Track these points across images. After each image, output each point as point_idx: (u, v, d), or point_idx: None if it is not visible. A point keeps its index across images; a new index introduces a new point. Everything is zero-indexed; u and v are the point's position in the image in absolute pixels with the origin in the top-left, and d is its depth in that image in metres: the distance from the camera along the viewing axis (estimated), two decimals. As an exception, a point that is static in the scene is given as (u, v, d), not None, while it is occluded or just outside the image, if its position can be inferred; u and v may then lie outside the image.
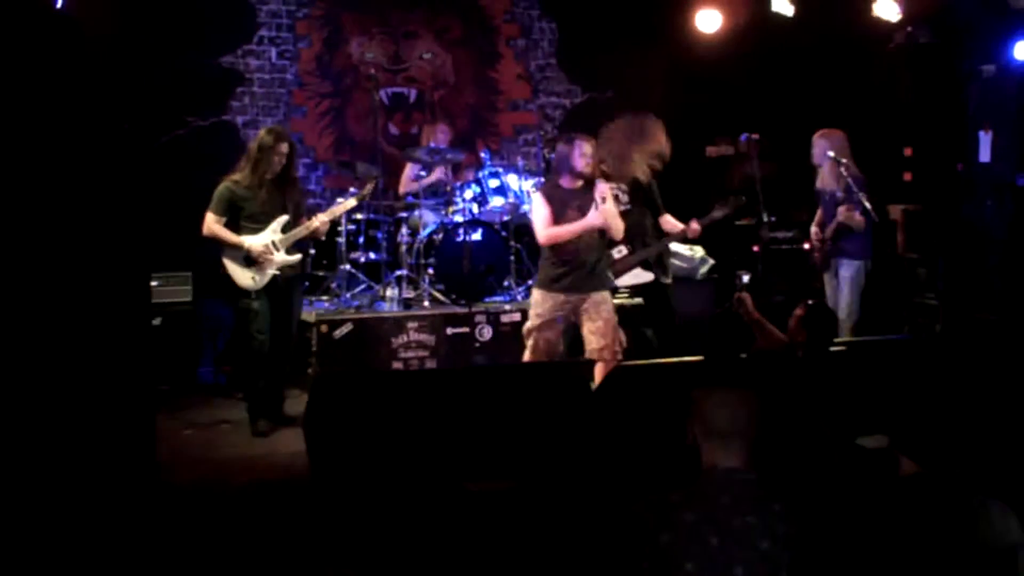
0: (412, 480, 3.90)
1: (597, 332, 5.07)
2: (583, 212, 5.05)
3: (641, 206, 5.82)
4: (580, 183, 5.14)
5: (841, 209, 5.98)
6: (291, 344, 5.69)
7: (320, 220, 5.57)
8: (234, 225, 5.44)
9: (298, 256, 5.57)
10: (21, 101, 3.66)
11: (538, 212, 5.17)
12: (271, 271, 5.45)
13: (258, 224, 5.44)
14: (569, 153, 5.13)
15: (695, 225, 5.71)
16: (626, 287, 5.94)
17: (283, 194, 5.50)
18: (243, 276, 5.43)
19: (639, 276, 5.78)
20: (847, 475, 3.18)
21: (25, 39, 3.71)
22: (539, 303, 5.18)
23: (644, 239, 5.82)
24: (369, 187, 6.05)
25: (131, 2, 6.64)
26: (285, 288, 5.54)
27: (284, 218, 5.47)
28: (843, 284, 6.05)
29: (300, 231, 5.50)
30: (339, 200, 6.30)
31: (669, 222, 5.88)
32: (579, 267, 5.10)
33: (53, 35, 3.87)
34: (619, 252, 5.68)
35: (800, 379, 3.87)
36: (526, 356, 5.29)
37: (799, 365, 4.00)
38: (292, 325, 5.67)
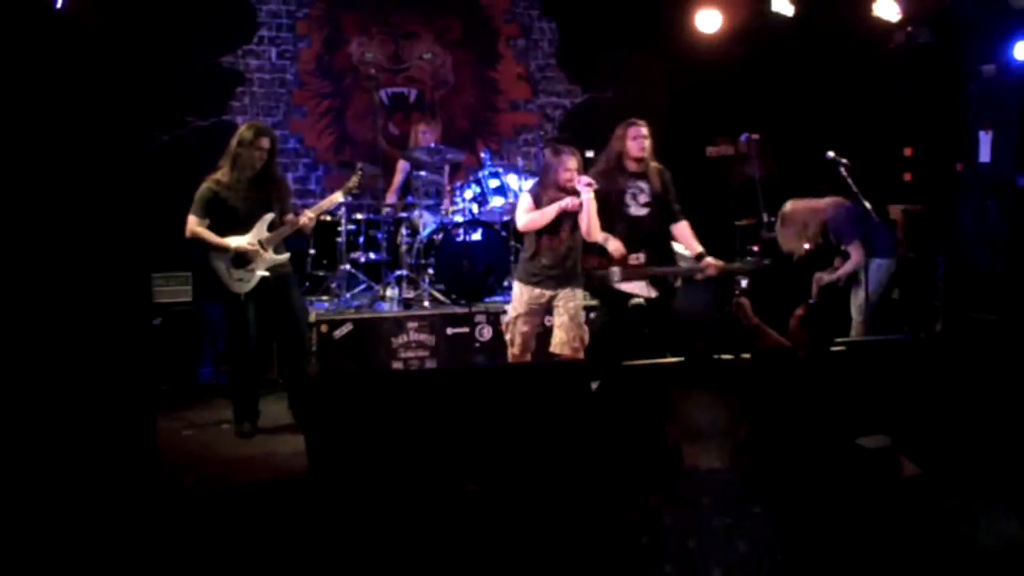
0: (412, 480, 3.90)
1: (562, 327, 5.25)
2: (561, 222, 5.23)
3: (656, 214, 5.59)
4: (562, 195, 5.26)
5: (821, 277, 6.04)
6: (303, 340, 5.55)
7: (307, 216, 5.44)
8: (218, 226, 5.31)
9: (286, 255, 5.46)
10: (20, 102, 3.66)
11: (523, 204, 5.37)
12: (259, 273, 5.34)
13: (242, 224, 5.32)
14: (556, 166, 5.25)
15: (711, 269, 5.48)
16: (628, 293, 5.56)
17: (267, 192, 5.37)
18: (230, 279, 5.32)
19: (643, 289, 5.50)
20: (847, 476, 3.18)
21: (24, 39, 3.71)
22: (517, 296, 5.34)
23: (661, 249, 5.61)
24: (354, 179, 5.89)
25: (131, 2, 6.64)
26: (278, 288, 5.42)
27: (269, 216, 5.36)
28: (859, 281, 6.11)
29: (286, 229, 5.39)
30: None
31: (685, 234, 5.62)
32: (558, 270, 5.27)
33: (52, 35, 3.87)
34: (636, 259, 5.47)
35: (801, 379, 3.87)
36: (509, 350, 5.42)
37: (800, 365, 4.00)
38: (297, 322, 5.54)
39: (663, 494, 2.25)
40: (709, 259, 5.47)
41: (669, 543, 2.16)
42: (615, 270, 5.42)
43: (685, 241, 5.65)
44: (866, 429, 3.58)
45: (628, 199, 5.43)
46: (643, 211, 5.49)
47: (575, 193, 5.17)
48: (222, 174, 5.31)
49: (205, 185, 5.31)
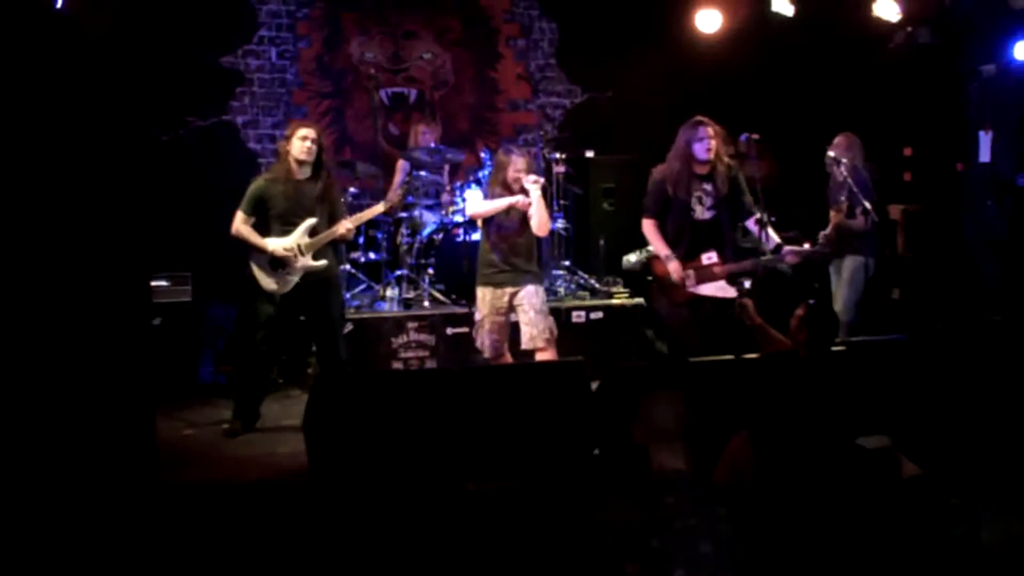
0: (412, 480, 3.90)
1: (529, 323, 5.25)
2: (510, 217, 5.26)
3: (728, 210, 5.41)
4: (510, 194, 5.31)
5: (834, 213, 5.97)
6: (338, 345, 5.48)
7: (344, 226, 5.43)
8: (263, 225, 5.32)
9: (323, 262, 5.39)
10: (20, 102, 3.66)
11: (476, 195, 5.50)
12: (295, 278, 5.32)
13: (287, 225, 5.31)
14: (505, 165, 5.29)
15: (791, 257, 5.24)
16: (706, 296, 5.33)
17: (315, 195, 5.35)
18: (267, 280, 5.32)
19: (723, 290, 5.28)
20: (847, 476, 3.18)
21: (24, 39, 3.71)
22: (481, 299, 5.36)
23: (733, 247, 5.46)
24: (399, 192, 5.97)
25: (131, 2, 6.64)
26: (315, 293, 5.39)
27: (312, 221, 5.33)
28: (843, 277, 6.07)
29: (326, 236, 5.36)
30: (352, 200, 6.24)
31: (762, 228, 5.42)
32: (511, 267, 5.28)
33: (52, 35, 3.87)
34: (708, 259, 5.31)
35: (801, 379, 3.86)
36: (484, 354, 5.43)
37: (800, 365, 3.99)
38: (332, 325, 5.47)
39: (630, 495, 2.23)
40: (787, 248, 5.25)
41: (634, 543, 2.14)
42: (690, 273, 5.32)
43: (759, 235, 5.45)
44: (866, 429, 3.58)
45: (694, 203, 5.32)
46: (708, 214, 5.34)
47: (524, 192, 5.20)
48: (273, 173, 5.35)
49: (256, 182, 5.34)
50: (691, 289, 5.33)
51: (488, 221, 5.30)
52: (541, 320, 5.25)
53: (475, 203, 5.42)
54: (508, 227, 5.27)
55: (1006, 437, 3.75)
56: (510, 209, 5.24)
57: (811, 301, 4.09)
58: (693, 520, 2.15)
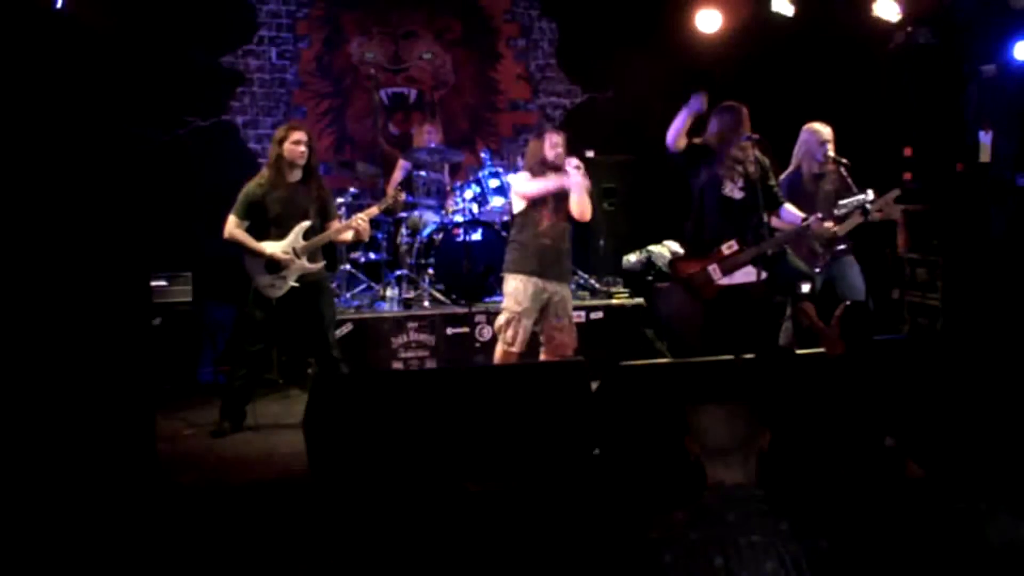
0: (412, 480, 3.90)
1: (563, 330, 5.23)
2: (555, 200, 5.18)
3: (754, 198, 5.32)
4: (551, 175, 5.25)
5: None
6: (331, 346, 5.48)
7: (335, 229, 5.45)
8: (257, 229, 5.30)
9: (320, 264, 5.43)
10: (20, 101, 3.66)
11: (521, 177, 5.28)
12: (291, 280, 5.33)
13: (282, 229, 5.31)
14: (540, 146, 5.25)
15: (817, 224, 5.23)
16: (735, 285, 5.27)
17: (308, 197, 5.35)
18: (263, 284, 5.32)
19: (750, 275, 5.21)
20: (861, 480, 3.16)
21: (25, 39, 3.71)
22: (520, 290, 5.18)
23: (757, 233, 5.32)
24: (391, 193, 5.93)
25: (131, 2, 6.64)
26: (308, 294, 5.40)
27: (306, 224, 5.33)
28: (855, 280, 5.98)
29: (322, 239, 5.37)
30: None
31: (790, 212, 5.41)
32: (550, 252, 5.19)
33: (53, 35, 3.87)
34: (729, 248, 5.26)
35: (836, 379, 3.84)
36: (500, 348, 5.29)
37: (839, 364, 3.98)
38: (323, 327, 5.45)
39: (688, 511, 2.15)
40: (811, 219, 5.25)
41: (695, 562, 2.08)
42: (714, 267, 5.28)
43: (792, 219, 5.41)
44: (866, 429, 3.58)
45: (726, 181, 5.29)
46: (740, 194, 5.30)
47: (561, 171, 5.13)
48: (266, 177, 5.32)
49: (248, 186, 5.32)
50: (719, 282, 5.27)
51: (537, 204, 5.16)
52: (573, 329, 5.28)
53: (522, 183, 5.21)
54: (542, 216, 5.17)
55: (1007, 438, 3.75)
56: (555, 196, 5.15)
57: (847, 302, 4.09)
58: (758, 537, 2.07)
